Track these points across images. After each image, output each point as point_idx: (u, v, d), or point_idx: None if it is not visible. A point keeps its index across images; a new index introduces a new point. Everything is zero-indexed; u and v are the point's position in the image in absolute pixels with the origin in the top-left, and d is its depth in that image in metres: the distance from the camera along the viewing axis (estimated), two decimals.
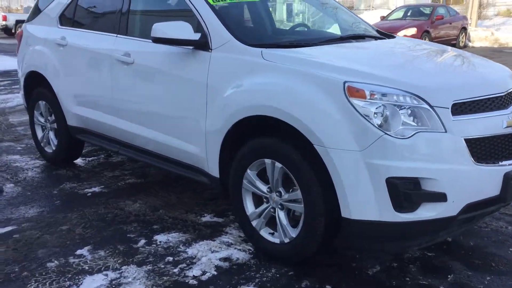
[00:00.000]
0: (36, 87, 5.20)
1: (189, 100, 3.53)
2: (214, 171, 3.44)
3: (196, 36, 3.43)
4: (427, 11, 18.37)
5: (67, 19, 4.81)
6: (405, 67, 3.22)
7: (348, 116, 2.69)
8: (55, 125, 5.05)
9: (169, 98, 3.67)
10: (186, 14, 3.73)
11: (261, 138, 3.13)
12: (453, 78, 3.09)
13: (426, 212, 2.68)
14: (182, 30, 3.43)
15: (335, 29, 4.26)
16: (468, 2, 23.43)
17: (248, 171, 3.20)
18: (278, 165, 3.01)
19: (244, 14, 4.02)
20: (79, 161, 5.34)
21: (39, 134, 5.34)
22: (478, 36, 20.48)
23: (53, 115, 5.03)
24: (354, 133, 2.67)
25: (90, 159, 5.45)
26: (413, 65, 3.32)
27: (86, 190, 4.50)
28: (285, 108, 2.87)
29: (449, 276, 3.00)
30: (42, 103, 5.14)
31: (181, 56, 3.59)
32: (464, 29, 19.34)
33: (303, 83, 2.88)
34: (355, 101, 2.70)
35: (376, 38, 3.95)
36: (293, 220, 3.09)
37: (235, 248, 3.35)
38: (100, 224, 3.75)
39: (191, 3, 3.61)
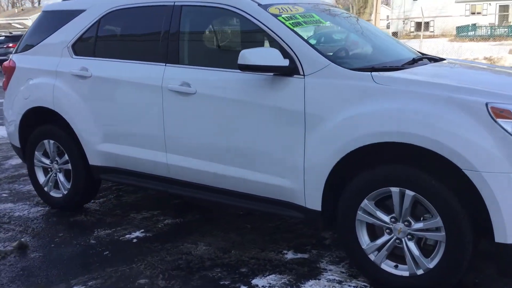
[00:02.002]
0: (39, 124, 4.63)
1: (278, 130, 3.30)
2: (314, 205, 3.22)
3: (286, 62, 3.23)
4: None
5: (86, 47, 4.32)
6: None
7: (498, 137, 2.64)
8: (67, 166, 4.50)
9: (250, 129, 3.41)
10: (259, 39, 3.52)
11: (385, 166, 2.98)
12: None
13: None
14: (271, 56, 3.23)
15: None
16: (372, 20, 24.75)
17: (366, 201, 3.04)
18: (409, 193, 2.88)
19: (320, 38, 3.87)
20: (89, 204, 4.79)
21: (41, 177, 4.74)
22: None
23: (65, 155, 4.48)
24: (508, 154, 2.62)
25: (100, 201, 4.91)
26: None
27: (127, 236, 4.03)
28: (427, 133, 2.75)
29: None
30: (48, 143, 4.57)
31: (261, 83, 3.36)
32: None
33: (440, 106, 2.79)
34: (502, 122, 2.66)
35: (432, 60, 3.96)
36: (423, 249, 2.96)
37: (349, 286, 3.14)
38: (180, 273, 3.36)
39: (270, 28, 3.39)
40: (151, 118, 3.87)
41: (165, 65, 3.81)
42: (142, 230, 4.12)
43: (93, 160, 4.31)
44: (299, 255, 3.58)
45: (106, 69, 4.13)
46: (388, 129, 2.88)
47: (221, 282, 3.23)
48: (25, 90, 4.62)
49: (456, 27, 48.44)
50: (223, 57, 3.76)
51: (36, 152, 4.69)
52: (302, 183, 3.24)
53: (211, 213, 4.45)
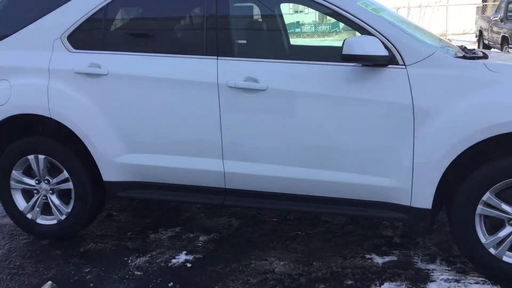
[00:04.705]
0: (19, 136, 3.72)
1: (376, 126, 3.03)
2: (423, 203, 3.03)
3: (386, 52, 2.99)
4: None
5: (90, 39, 3.53)
6: None
7: None
8: (65, 185, 3.66)
9: (341, 126, 3.08)
10: (343, 28, 3.20)
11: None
12: None
13: None
14: (373, 46, 2.95)
15: None
16: None
17: (488, 194, 2.93)
18: None
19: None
20: (84, 230, 3.96)
21: (21, 202, 3.81)
22: None
23: (64, 172, 3.64)
24: None
25: (94, 224, 4.09)
26: None
27: (173, 261, 3.41)
28: None
29: None
30: (36, 158, 3.66)
31: (350, 76, 3.07)
32: None
33: None
34: None
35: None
36: None
37: (470, 283, 3.03)
38: None
39: (355, 16, 3.08)
40: (201, 120, 3.31)
41: (217, 58, 3.28)
42: (185, 252, 3.52)
43: (109, 176, 3.56)
44: (387, 258, 3.36)
45: (130, 65, 3.42)
46: None
47: None
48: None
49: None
50: (295, 48, 3.36)
51: (14, 171, 3.75)
52: (410, 181, 3.03)
53: (244, 223, 3.99)
